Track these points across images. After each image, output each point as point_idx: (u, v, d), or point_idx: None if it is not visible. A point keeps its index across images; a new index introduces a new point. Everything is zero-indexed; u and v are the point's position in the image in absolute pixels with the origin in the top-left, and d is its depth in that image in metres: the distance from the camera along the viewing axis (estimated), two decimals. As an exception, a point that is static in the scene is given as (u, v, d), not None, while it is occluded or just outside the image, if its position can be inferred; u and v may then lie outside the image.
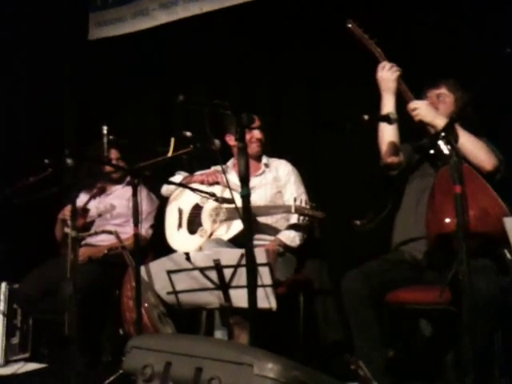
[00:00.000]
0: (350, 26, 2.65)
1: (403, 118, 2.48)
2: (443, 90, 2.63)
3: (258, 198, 3.04)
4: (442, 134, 1.83)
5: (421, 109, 2.45)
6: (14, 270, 3.50)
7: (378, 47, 2.62)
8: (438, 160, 2.47)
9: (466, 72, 2.91)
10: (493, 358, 2.27)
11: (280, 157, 3.35)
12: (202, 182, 3.18)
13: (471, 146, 2.37)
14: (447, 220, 2.13)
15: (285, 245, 3.02)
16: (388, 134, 2.60)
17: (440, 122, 2.34)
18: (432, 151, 2.18)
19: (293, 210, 2.84)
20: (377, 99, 2.62)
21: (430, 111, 2.45)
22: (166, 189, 3.36)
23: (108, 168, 3.50)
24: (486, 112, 2.88)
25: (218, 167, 3.22)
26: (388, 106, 2.59)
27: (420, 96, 2.64)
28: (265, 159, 3.27)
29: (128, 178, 3.49)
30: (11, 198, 3.15)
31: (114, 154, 3.46)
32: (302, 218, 2.87)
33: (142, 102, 4.27)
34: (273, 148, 3.55)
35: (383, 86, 2.61)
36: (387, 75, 2.58)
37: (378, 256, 2.62)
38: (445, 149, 2.31)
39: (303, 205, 2.83)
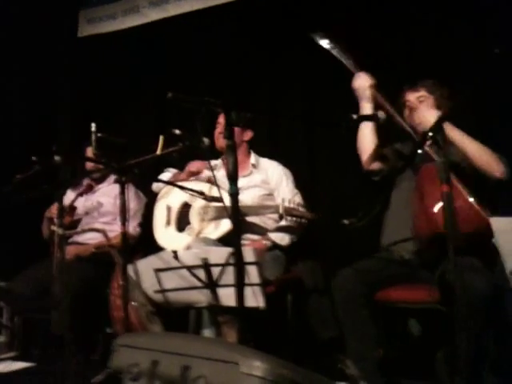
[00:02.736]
0: (316, 39, 2.68)
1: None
2: (422, 93, 2.65)
3: (244, 200, 3.01)
4: (430, 133, 1.82)
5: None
6: (2, 269, 3.47)
7: (348, 56, 2.68)
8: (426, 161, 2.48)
9: (464, 72, 2.93)
10: (484, 356, 2.29)
11: (275, 156, 3.33)
12: (188, 176, 3.16)
13: (482, 153, 2.40)
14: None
15: (274, 242, 3.01)
16: (367, 140, 2.67)
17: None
18: (420, 151, 2.18)
19: (281, 210, 2.84)
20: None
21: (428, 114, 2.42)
22: (156, 185, 3.35)
23: (90, 165, 3.48)
24: (483, 112, 2.91)
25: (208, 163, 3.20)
26: (366, 133, 2.67)
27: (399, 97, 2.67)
28: (253, 159, 3.23)
29: (113, 176, 3.48)
30: (4, 197, 3.12)
31: (89, 152, 3.40)
32: (290, 218, 2.86)
33: (134, 100, 4.26)
34: (268, 147, 3.54)
35: (359, 94, 2.68)
36: (361, 84, 2.66)
37: (370, 255, 2.63)
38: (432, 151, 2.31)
39: (292, 205, 2.83)
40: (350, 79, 3.40)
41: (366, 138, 2.68)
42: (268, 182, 3.17)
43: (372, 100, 2.65)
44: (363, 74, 2.68)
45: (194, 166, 3.19)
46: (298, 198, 3.06)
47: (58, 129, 4.39)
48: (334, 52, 2.68)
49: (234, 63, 3.84)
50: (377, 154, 2.66)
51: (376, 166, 2.70)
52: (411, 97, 2.66)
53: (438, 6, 3.14)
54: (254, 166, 3.21)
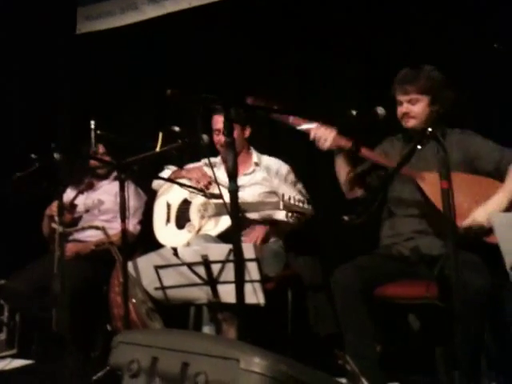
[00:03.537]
0: (250, 102, 2.42)
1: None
2: (414, 96, 2.51)
3: (246, 197, 3.02)
4: (429, 129, 1.82)
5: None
6: (1, 267, 3.47)
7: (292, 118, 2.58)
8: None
9: (464, 71, 2.92)
10: (482, 352, 2.29)
11: (275, 152, 3.32)
12: (196, 181, 3.13)
13: None
14: None
15: (274, 220, 2.98)
16: (342, 167, 2.69)
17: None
18: (419, 147, 2.17)
19: (281, 206, 2.83)
20: (374, 97, 2.63)
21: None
22: (156, 183, 3.34)
23: (93, 163, 3.48)
24: (483, 112, 2.91)
25: (207, 160, 3.19)
26: (340, 163, 2.69)
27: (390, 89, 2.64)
28: (255, 157, 3.22)
29: (115, 174, 3.48)
30: (3, 196, 3.13)
31: (100, 148, 3.42)
32: (290, 214, 2.86)
33: (134, 99, 4.25)
34: (268, 144, 3.54)
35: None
36: (324, 145, 2.58)
37: (369, 251, 2.64)
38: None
39: (292, 201, 2.83)
40: (349, 76, 3.43)
41: (341, 166, 2.70)
42: (270, 180, 3.16)
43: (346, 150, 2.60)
44: (320, 132, 2.58)
45: (193, 175, 3.17)
46: (299, 195, 3.05)
47: (57, 128, 4.38)
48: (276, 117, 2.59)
49: (234, 62, 3.81)
50: (353, 181, 2.69)
51: (358, 193, 2.74)
52: (402, 99, 2.54)
53: (437, 5, 3.13)
54: (256, 164, 3.20)
